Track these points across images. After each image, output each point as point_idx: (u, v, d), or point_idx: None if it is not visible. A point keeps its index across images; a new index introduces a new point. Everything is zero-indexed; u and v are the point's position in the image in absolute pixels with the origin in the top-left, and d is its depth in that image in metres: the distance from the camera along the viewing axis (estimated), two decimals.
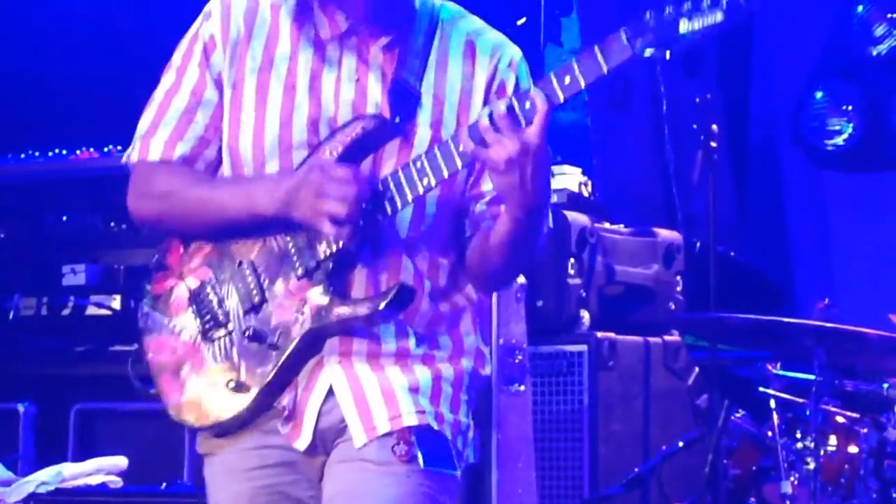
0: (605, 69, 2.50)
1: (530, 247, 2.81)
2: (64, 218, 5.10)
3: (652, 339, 4.83)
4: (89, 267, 4.96)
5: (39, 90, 6.10)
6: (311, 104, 2.83)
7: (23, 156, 5.17)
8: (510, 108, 2.60)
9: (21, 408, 4.78)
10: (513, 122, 2.60)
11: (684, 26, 2.45)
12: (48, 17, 6.27)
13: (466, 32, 2.89)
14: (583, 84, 2.54)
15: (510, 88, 2.80)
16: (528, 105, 2.60)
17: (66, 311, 4.94)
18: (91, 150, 5.03)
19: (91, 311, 4.92)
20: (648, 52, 2.52)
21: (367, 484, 2.73)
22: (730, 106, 5.89)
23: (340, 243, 2.74)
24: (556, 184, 4.90)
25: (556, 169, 4.97)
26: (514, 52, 2.89)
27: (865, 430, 3.97)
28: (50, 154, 5.13)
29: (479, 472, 4.25)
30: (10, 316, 5.01)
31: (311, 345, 2.78)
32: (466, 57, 2.88)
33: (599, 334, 4.72)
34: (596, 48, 2.53)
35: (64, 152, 5.08)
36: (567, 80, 2.56)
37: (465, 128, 2.70)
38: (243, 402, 2.79)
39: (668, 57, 2.52)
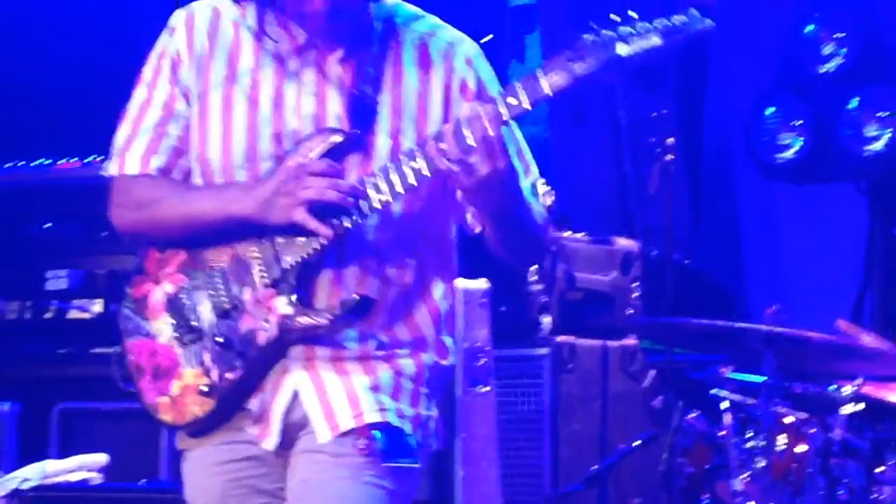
0: (548, 90, 2.56)
1: (526, 242, 2.86)
2: (47, 225, 5.12)
3: (610, 343, 4.86)
4: (72, 272, 4.99)
5: (24, 101, 6.07)
6: (275, 118, 2.86)
7: (7, 165, 5.19)
8: (479, 114, 2.61)
9: (5, 407, 4.81)
10: (486, 127, 2.62)
11: (622, 49, 2.53)
12: (31, 28, 6.24)
13: (420, 35, 2.91)
14: (526, 104, 2.59)
15: (472, 84, 2.81)
16: (495, 111, 2.61)
17: (48, 315, 4.98)
18: (73, 160, 5.06)
19: (73, 314, 4.96)
20: (581, 69, 2.59)
21: (322, 475, 2.77)
22: (685, 120, 6.00)
23: (308, 250, 2.77)
24: None
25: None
26: (468, 47, 2.90)
27: (813, 430, 3.96)
28: (33, 164, 5.16)
29: (444, 470, 3.80)
30: None
31: (277, 351, 2.82)
32: (421, 60, 2.89)
33: (560, 338, 4.75)
34: (538, 71, 2.60)
35: (47, 162, 5.11)
36: (510, 100, 2.60)
37: (424, 140, 2.73)
38: (214, 404, 2.84)
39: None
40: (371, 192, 2.74)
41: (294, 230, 2.79)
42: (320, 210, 2.75)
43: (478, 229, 2.89)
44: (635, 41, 2.53)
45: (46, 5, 6.19)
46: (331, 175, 2.77)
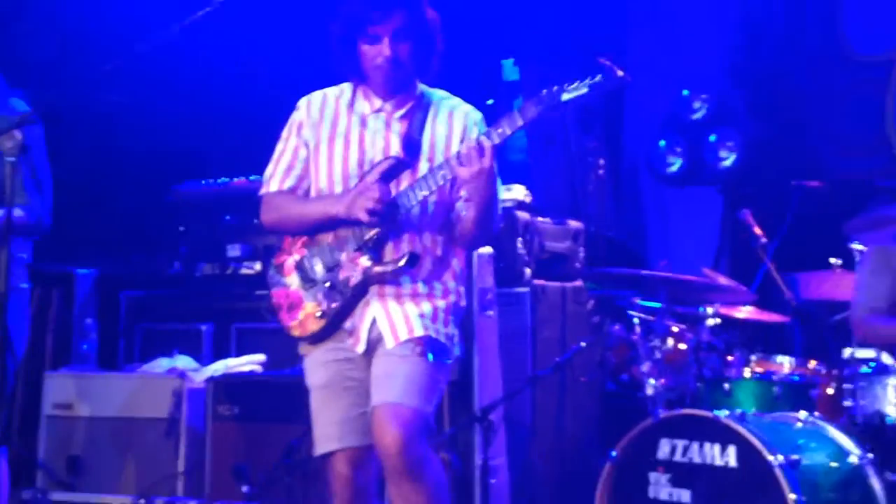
0: (521, 123, 3.01)
1: (489, 222, 3.21)
2: (227, 217, 5.50)
3: (566, 285, 5.24)
4: (242, 246, 5.44)
5: (215, 139, 6.26)
6: (359, 153, 3.24)
7: (205, 181, 5.66)
8: (469, 150, 3.07)
9: (203, 327, 5.47)
10: (471, 157, 3.07)
11: (564, 97, 2.97)
12: (214, 85, 6.31)
13: (449, 107, 3.32)
14: (508, 132, 3.04)
15: (473, 135, 3.19)
16: (478, 146, 3.05)
17: (229, 271, 5.49)
18: (242, 178, 5.49)
19: (243, 271, 5.45)
20: (539, 108, 2.98)
21: (394, 367, 3.16)
22: (610, 148, 6.54)
23: (376, 229, 3.18)
24: (510, 195, 5.08)
25: (511, 186, 5.15)
26: (474, 114, 3.31)
27: (690, 335, 4.32)
28: (220, 181, 5.59)
29: (466, 365, 4.56)
30: (197, 274, 5.53)
31: (361, 290, 3.19)
32: (448, 120, 3.29)
33: (536, 282, 5.07)
34: (516, 111, 3.01)
35: (227, 179, 5.57)
36: (501, 130, 3.05)
37: (447, 159, 3.16)
38: (324, 324, 3.22)
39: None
40: (417, 191, 3.17)
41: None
42: (388, 207, 3.16)
43: (463, 213, 3.24)
44: (572, 92, 2.97)
45: (220, 68, 6.25)
46: (381, 192, 3.14)
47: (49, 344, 5.32)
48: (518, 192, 5.20)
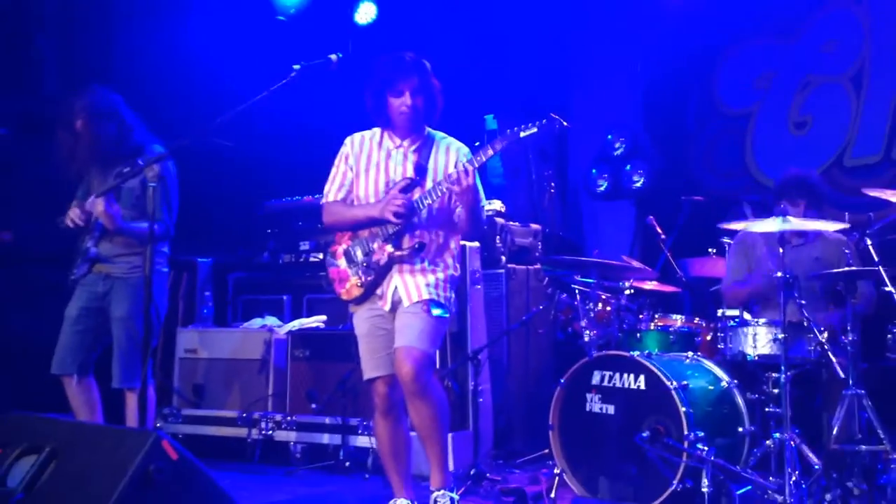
0: (493, 152, 3.03)
1: (477, 220, 3.21)
2: (299, 223, 5.40)
3: (529, 267, 5.12)
4: (310, 242, 5.36)
5: (287, 168, 6.06)
6: (386, 175, 3.25)
7: (285, 199, 5.50)
8: (458, 172, 3.09)
9: (284, 297, 5.40)
10: (460, 177, 3.08)
11: (522, 134, 2.98)
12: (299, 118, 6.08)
13: (447, 143, 3.30)
14: (485, 159, 3.05)
15: (462, 162, 3.17)
16: (465, 169, 3.07)
17: (301, 260, 5.38)
18: (308, 196, 5.34)
19: (311, 259, 5.35)
20: (505, 141, 2.97)
21: (410, 319, 3.16)
22: (559, 174, 6.31)
23: (399, 225, 3.17)
24: (491, 206, 5.07)
25: (492, 201, 5.10)
26: (464, 149, 3.29)
27: (613, 301, 4.22)
28: (294, 198, 5.46)
29: (462, 322, 4.51)
30: (280, 261, 5.39)
31: (387, 268, 3.21)
32: (446, 153, 3.28)
33: (509, 266, 5.04)
34: (488, 144, 3.02)
35: (299, 197, 5.44)
36: (479, 158, 3.08)
37: (445, 178, 3.15)
38: (363, 291, 3.26)
39: (521, 137, 2.92)
40: (424, 201, 3.18)
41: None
42: (406, 211, 3.15)
43: (459, 215, 3.19)
44: (527, 130, 2.98)
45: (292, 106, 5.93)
46: (404, 200, 3.17)
47: (181, 309, 5.32)
48: (496, 205, 5.19)
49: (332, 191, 3.29)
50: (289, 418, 4.70)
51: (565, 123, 2.87)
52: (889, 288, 3.38)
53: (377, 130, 3.26)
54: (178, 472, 2.31)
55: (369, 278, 3.17)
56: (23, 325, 4.88)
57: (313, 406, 4.63)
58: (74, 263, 3.90)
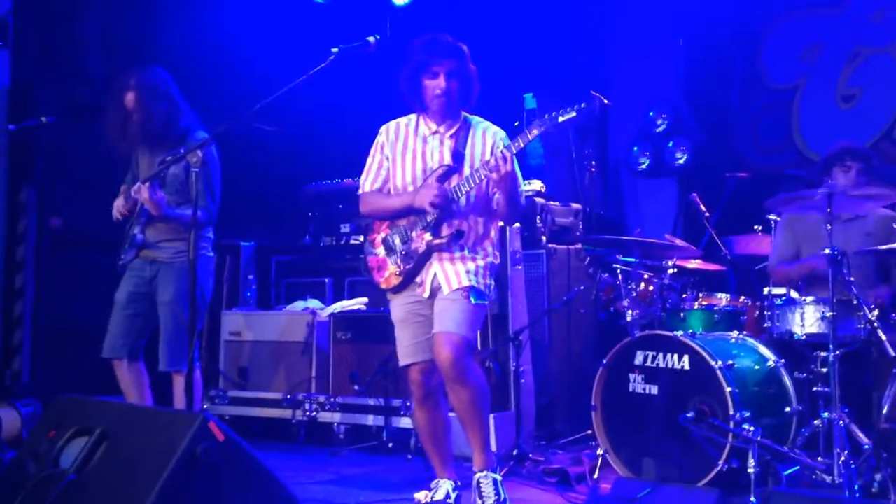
0: (531, 138, 3.00)
1: (515, 205, 3.18)
2: (340, 206, 5.42)
3: (570, 247, 5.10)
4: (351, 225, 5.38)
5: (327, 151, 6.10)
6: (422, 163, 3.22)
7: (325, 181, 5.54)
8: (496, 159, 3.06)
9: (326, 280, 5.46)
10: (498, 163, 3.05)
11: (560, 118, 2.94)
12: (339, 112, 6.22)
13: (483, 128, 3.26)
14: (523, 145, 3.01)
15: (500, 147, 3.16)
16: (503, 156, 3.04)
17: (342, 242, 5.40)
18: (348, 179, 5.37)
19: (352, 242, 5.36)
20: (543, 126, 2.94)
21: (449, 305, 3.16)
22: (599, 153, 6.27)
23: (436, 214, 3.17)
24: (531, 187, 5.00)
25: (532, 181, 5.06)
26: (501, 133, 3.26)
27: (656, 280, 4.20)
28: (334, 181, 5.50)
29: (503, 303, 4.51)
30: (321, 244, 5.40)
31: (426, 256, 3.19)
32: (483, 138, 3.24)
33: (550, 245, 5.01)
34: (526, 130, 2.99)
35: (338, 180, 5.49)
36: (517, 143, 3.04)
37: (483, 164, 3.13)
38: (402, 279, 3.25)
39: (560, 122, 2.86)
40: (462, 188, 3.15)
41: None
42: (443, 199, 3.13)
43: (497, 201, 3.18)
44: (565, 115, 2.94)
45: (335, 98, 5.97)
46: (440, 190, 3.14)
47: (225, 292, 5.35)
48: (536, 185, 5.15)
49: (368, 181, 3.28)
50: (332, 400, 4.73)
51: (606, 101, 2.83)
52: None
53: (413, 117, 3.25)
54: (225, 453, 2.35)
55: (408, 266, 3.16)
56: (74, 311, 4.97)
57: (356, 387, 4.65)
58: (122, 249, 3.95)
